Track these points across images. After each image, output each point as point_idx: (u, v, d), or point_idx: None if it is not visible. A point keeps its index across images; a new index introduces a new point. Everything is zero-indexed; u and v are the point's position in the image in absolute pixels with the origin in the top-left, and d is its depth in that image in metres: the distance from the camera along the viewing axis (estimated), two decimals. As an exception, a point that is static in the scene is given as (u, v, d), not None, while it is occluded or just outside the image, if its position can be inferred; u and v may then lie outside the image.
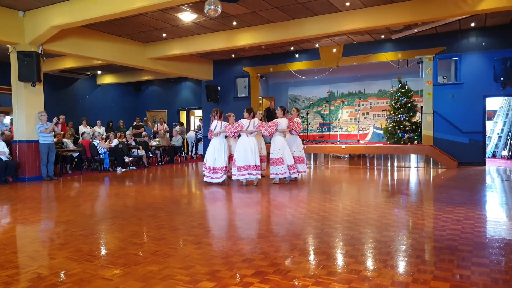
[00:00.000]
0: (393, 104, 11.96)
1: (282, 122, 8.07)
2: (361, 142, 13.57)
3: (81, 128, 12.99)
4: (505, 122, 14.15)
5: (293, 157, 8.26)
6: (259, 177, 8.03)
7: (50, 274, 3.10)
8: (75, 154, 11.18)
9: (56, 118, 9.79)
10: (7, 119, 11.15)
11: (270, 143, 8.39)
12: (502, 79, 10.48)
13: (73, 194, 7.58)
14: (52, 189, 8.21)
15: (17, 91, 9.38)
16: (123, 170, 11.42)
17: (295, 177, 8.42)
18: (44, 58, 9.71)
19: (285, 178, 8.13)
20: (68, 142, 11.12)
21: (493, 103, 14.08)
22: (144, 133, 14.07)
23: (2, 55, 11.84)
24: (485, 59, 11.18)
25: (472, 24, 10.93)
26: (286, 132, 8.24)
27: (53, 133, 9.74)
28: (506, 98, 13.76)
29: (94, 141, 11.31)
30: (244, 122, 7.95)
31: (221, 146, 8.08)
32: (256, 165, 7.86)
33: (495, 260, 3.31)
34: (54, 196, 7.44)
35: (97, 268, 3.22)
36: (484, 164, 11.30)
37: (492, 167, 11.08)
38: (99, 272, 3.12)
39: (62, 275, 3.09)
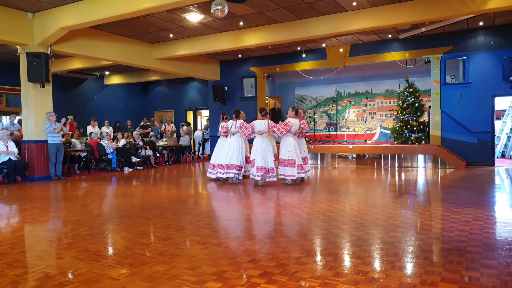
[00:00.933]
0: (401, 104, 11.87)
1: (257, 124, 8.04)
2: (368, 142, 13.49)
3: (89, 128, 13.09)
4: (514, 121, 14.00)
5: (283, 160, 7.89)
6: (231, 175, 8.28)
7: (57, 274, 3.12)
8: (83, 154, 11.27)
9: (64, 118, 9.89)
10: (16, 119, 11.26)
11: (278, 143, 8.55)
12: (510, 78, 10.40)
13: (81, 194, 7.64)
14: (60, 188, 8.28)
15: (26, 92, 9.48)
16: (131, 170, 11.48)
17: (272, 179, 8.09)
18: (53, 59, 9.80)
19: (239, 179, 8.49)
20: (76, 142, 11.20)
21: (502, 102, 13.92)
22: (151, 133, 14.13)
23: (11, 56, 11.99)
24: (493, 58, 11.07)
25: (480, 23, 10.83)
26: (265, 133, 7.97)
27: (61, 133, 9.83)
28: (515, 97, 13.61)
29: (102, 141, 11.39)
30: (229, 123, 8.50)
31: (219, 145, 8.91)
32: (228, 165, 8.28)
33: (504, 262, 3.27)
34: (62, 196, 7.51)
35: (104, 267, 3.24)
36: (493, 164, 11.18)
37: (501, 168, 10.96)
38: (106, 271, 3.14)
39: (69, 275, 3.11)
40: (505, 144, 14.21)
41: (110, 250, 3.84)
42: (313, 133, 14.82)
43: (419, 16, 9.00)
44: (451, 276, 2.92)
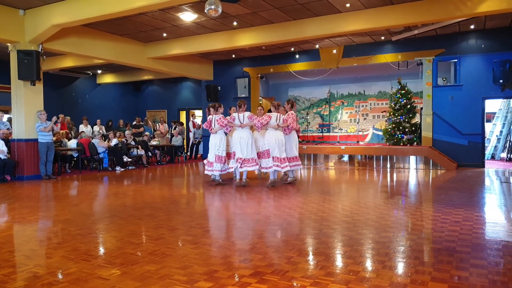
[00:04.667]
0: (393, 106, 11.96)
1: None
2: (361, 143, 13.56)
3: (81, 127, 12.98)
4: (504, 124, 14.15)
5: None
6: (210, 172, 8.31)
7: (46, 273, 3.08)
8: (75, 154, 11.17)
9: (55, 117, 9.78)
10: (5, 118, 11.09)
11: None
12: (501, 81, 10.51)
13: (72, 193, 7.57)
14: (50, 188, 8.19)
15: (16, 90, 9.36)
16: (122, 169, 11.41)
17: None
18: (44, 57, 9.70)
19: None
20: (69, 142, 11.09)
21: (492, 105, 14.08)
22: (146, 132, 14.05)
23: (2, 53, 11.85)
24: (484, 61, 11.19)
25: (472, 26, 10.94)
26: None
27: (52, 132, 9.72)
28: (505, 100, 13.76)
29: (93, 140, 11.29)
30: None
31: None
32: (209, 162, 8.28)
33: (493, 262, 3.30)
34: (52, 195, 7.43)
35: (94, 267, 3.20)
36: (483, 166, 11.30)
37: (491, 169, 11.08)
38: (96, 271, 3.11)
39: (58, 275, 3.07)
40: (495, 146, 14.37)
41: (101, 250, 3.80)
42: (306, 134, 14.86)
43: (412, 18, 9.08)
44: (441, 276, 2.94)
